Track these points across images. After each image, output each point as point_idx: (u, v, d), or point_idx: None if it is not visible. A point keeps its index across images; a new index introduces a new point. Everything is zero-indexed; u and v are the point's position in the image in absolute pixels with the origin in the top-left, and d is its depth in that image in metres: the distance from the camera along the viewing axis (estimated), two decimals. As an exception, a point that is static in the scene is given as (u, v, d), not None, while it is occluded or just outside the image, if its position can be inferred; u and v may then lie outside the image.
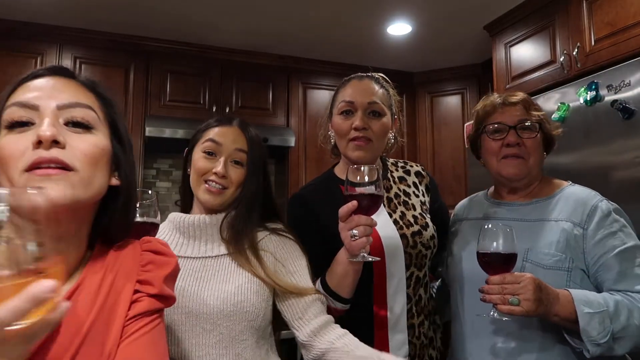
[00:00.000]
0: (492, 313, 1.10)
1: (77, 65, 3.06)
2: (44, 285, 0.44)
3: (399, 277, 1.28)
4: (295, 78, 3.58)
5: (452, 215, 1.51)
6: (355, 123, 1.28)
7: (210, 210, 1.21)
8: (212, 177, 1.17)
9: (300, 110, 3.56)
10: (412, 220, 1.34)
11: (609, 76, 2.15)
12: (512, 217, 1.30)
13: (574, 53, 2.42)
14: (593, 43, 2.36)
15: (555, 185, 1.32)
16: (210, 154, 1.20)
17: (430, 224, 1.37)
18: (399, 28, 3.13)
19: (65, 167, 0.67)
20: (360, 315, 1.24)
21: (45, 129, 0.66)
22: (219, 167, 1.17)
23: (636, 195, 1.99)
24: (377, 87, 1.34)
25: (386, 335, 1.26)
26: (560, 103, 2.38)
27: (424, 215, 1.39)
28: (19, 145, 0.66)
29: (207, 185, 1.18)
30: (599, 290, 1.18)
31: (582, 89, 2.25)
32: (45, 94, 0.71)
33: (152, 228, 1.09)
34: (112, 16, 2.92)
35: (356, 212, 1.08)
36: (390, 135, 1.37)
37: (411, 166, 1.49)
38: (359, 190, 1.08)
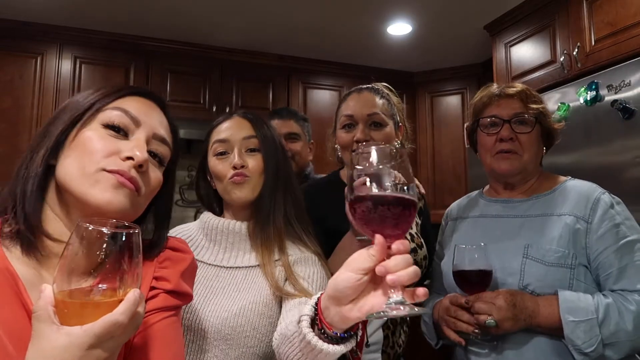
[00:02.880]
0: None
1: (77, 65, 3.07)
2: (136, 291, 0.57)
3: None
4: (295, 78, 3.58)
5: (444, 215, 1.47)
6: (357, 136, 1.30)
7: (241, 211, 1.15)
8: (232, 172, 1.11)
9: (300, 110, 3.55)
10: (408, 236, 1.33)
11: (609, 76, 2.15)
12: (511, 214, 1.26)
13: (574, 53, 2.42)
14: (593, 43, 2.36)
15: (554, 180, 1.28)
16: (223, 153, 1.14)
17: (424, 245, 1.38)
18: (399, 28, 3.13)
19: (136, 187, 0.73)
20: None
21: (141, 152, 0.73)
22: (235, 159, 1.11)
23: (636, 195, 1.99)
24: (377, 99, 1.35)
25: (360, 347, 1.24)
26: (561, 103, 2.38)
27: (419, 235, 1.40)
28: (109, 146, 0.72)
29: (231, 180, 1.11)
30: (599, 285, 1.14)
31: (582, 89, 2.25)
32: (146, 116, 0.78)
33: None
34: (112, 16, 2.92)
35: None
36: (396, 143, 1.37)
37: None
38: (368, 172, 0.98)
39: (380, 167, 0.65)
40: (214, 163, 1.15)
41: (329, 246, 1.21)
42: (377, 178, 0.64)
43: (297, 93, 3.58)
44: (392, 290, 0.63)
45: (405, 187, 0.65)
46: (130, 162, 0.71)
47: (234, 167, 1.10)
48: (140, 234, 0.59)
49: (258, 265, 1.08)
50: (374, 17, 2.97)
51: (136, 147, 0.73)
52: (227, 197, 1.14)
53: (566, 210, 1.17)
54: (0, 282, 0.68)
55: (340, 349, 0.70)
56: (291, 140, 1.98)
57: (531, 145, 1.23)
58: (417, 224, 1.44)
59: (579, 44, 2.41)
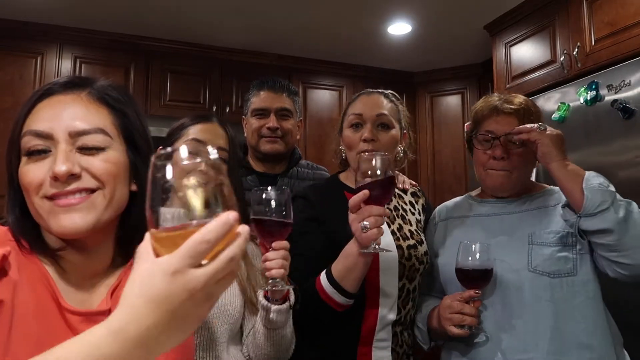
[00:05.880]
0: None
1: (77, 65, 3.07)
2: (232, 213, 0.49)
3: (391, 286, 1.28)
4: (295, 78, 3.58)
5: (432, 217, 1.48)
6: (365, 135, 1.31)
7: None
8: None
9: (300, 110, 3.55)
10: (408, 233, 1.36)
11: (609, 76, 2.15)
12: (506, 211, 1.31)
13: (574, 53, 2.42)
14: (593, 43, 2.36)
15: (541, 187, 1.37)
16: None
17: (424, 241, 1.40)
18: (399, 28, 3.13)
19: (87, 190, 0.71)
20: (350, 319, 1.23)
21: (60, 165, 0.69)
22: None
23: (636, 195, 1.99)
24: (385, 101, 1.38)
25: (371, 341, 1.26)
26: (561, 103, 2.38)
27: (419, 232, 1.42)
28: (38, 174, 0.70)
29: None
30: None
31: (582, 88, 2.25)
32: (58, 119, 0.72)
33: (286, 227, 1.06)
34: (112, 16, 2.93)
35: (367, 202, 1.06)
36: (399, 148, 1.39)
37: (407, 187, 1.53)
38: (369, 180, 1.06)
39: (267, 205, 1.03)
40: None
41: (330, 249, 1.21)
42: (264, 204, 1.03)
43: (297, 93, 3.57)
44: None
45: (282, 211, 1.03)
46: (58, 181, 0.69)
47: None
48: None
49: None
50: (374, 17, 2.98)
51: (54, 162, 0.70)
52: None
53: (558, 202, 1.26)
54: (41, 291, 0.70)
55: (276, 307, 1.07)
56: (283, 118, 1.84)
57: (523, 162, 1.29)
58: (418, 220, 1.45)
59: (579, 44, 2.42)
